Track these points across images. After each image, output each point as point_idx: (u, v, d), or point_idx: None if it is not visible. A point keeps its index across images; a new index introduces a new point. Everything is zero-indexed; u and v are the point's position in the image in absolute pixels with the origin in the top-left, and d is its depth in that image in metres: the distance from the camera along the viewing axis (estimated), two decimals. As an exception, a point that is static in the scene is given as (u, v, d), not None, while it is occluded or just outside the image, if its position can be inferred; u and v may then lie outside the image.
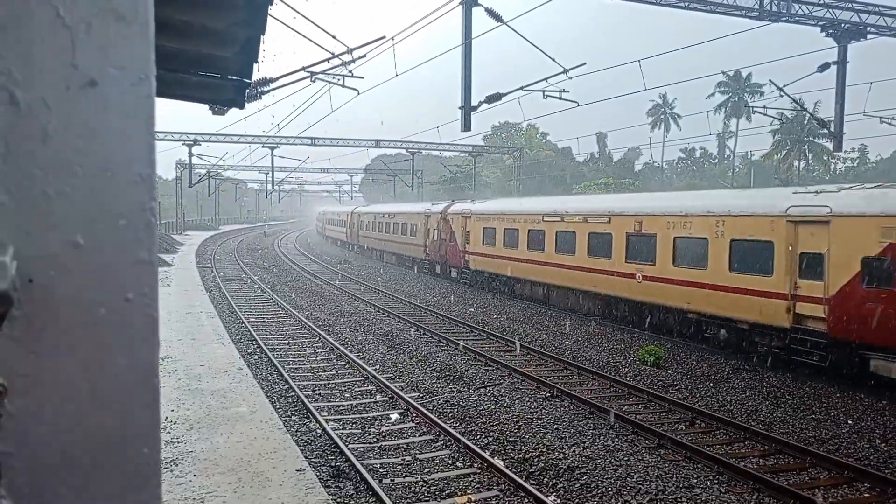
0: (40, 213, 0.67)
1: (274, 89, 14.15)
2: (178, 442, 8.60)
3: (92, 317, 0.69)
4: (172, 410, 9.85)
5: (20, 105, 0.66)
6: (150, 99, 0.71)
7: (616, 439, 10.39)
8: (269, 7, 3.91)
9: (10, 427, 0.66)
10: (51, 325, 0.68)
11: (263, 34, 4.04)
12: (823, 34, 23.27)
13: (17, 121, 0.66)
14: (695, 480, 8.94)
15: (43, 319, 0.67)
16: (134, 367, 0.71)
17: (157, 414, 0.73)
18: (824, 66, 23.59)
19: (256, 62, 4.28)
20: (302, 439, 10.23)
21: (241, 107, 5.01)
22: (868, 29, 23.28)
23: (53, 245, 0.68)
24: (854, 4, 23.07)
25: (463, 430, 10.76)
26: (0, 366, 0.65)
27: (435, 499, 8.45)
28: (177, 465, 7.79)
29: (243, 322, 19.98)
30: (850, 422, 11.36)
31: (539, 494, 8.30)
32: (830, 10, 22.84)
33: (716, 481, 8.97)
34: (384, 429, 11.05)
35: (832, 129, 25.99)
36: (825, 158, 63.43)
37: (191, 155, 52.33)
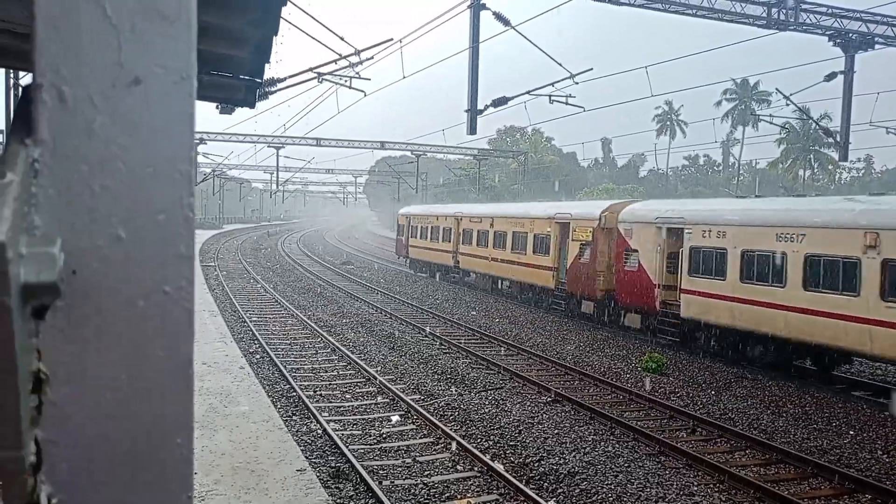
0: (85, 206, 0.69)
1: (282, 89, 14.21)
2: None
3: (131, 308, 0.71)
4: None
5: (67, 102, 0.68)
6: (192, 98, 0.73)
7: (617, 445, 10.38)
8: (282, 8, 3.94)
9: (53, 414, 0.68)
10: (92, 316, 0.69)
11: (276, 34, 4.06)
12: (831, 43, 23.24)
13: (65, 117, 0.68)
14: (695, 488, 8.93)
15: (84, 310, 0.69)
16: (170, 358, 0.73)
17: (191, 405, 0.75)
18: (831, 76, 23.58)
19: (269, 62, 4.31)
20: (303, 439, 10.24)
21: (252, 106, 5.04)
22: (876, 39, 23.26)
23: (96, 238, 0.70)
24: (862, 14, 23.05)
25: (464, 434, 10.77)
26: (44, 355, 0.67)
27: (434, 502, 8.45)
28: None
29: (245, 321, 20.00)
30: (851, 432, 11.33)
31: (539, 499, 8.29)
32: (838, 20, 22.81)
33: (716, 489, 8.95)
34: (384, 430, 11.06)
35: (838, 139, 25.97)
36: (830, 168, 63.38)
37: (196, 153, 52.37)
